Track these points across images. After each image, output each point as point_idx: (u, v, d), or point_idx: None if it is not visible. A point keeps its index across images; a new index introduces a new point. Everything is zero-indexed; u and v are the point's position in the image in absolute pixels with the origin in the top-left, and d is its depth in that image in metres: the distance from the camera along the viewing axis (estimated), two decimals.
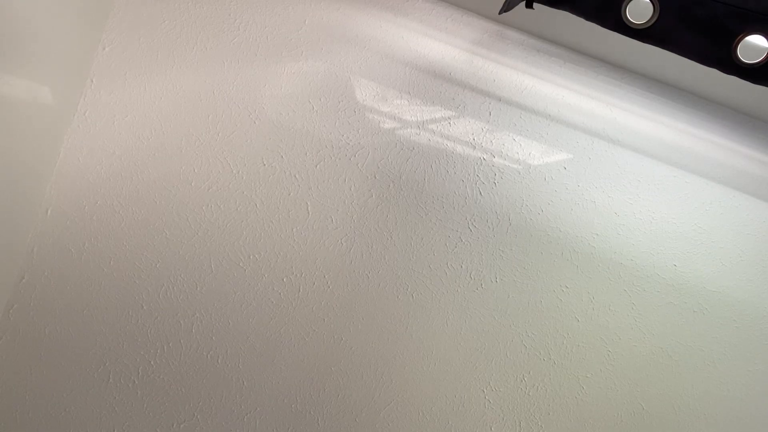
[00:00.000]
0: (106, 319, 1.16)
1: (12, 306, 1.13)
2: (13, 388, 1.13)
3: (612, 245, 1.31)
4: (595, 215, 1.31)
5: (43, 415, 1.14)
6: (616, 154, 1.33)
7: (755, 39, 0.86)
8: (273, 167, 1.22)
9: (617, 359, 1.30)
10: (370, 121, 1.26)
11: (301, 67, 1.24)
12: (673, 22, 0.87)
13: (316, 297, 1.22)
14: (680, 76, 1.31)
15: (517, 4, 0.98)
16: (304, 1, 1.26)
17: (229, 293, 1.20)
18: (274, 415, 1.20)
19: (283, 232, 1.22)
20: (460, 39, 1.30)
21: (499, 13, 1.04)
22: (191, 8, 1.22)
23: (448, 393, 1.25)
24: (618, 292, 1.31)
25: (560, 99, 1.32)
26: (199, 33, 1.22)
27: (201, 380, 1.18)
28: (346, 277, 1.23)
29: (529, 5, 0.96)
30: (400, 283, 1.25)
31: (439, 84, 1.29)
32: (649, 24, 0.88)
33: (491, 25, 1.31)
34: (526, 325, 1.28)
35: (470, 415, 1.26)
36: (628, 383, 1.31)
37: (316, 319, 1.22)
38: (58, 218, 1.15)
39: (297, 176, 1.23)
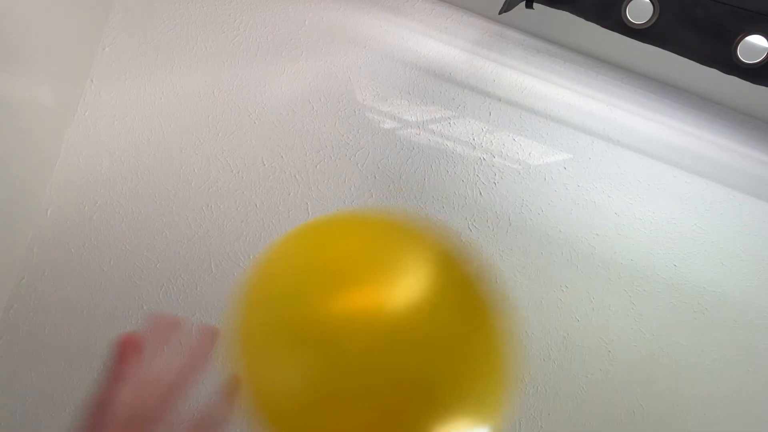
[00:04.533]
0: (106, 319, 1.16)
1: (12, 306, 1.13)
2: (13, 388, 1.13)
3: (612, 245, 1.31)
4: (595, 215, 1.31)
5: (43, 415, 1.14)
6: (616, 154, 1.33)
7: (755, 39, 0.86)
8: (273, 167, 1.22)
9: (617, 359, 1.30)
10: (370, 121, 1.26)
11: (301, 67, 1.24)
12: (673, 22, 0.87)
13: None
14: (680, 76, 1.31)
15: (517, 4, 0.98)
16: (304, 1, 1.26)
17: (229, 293, 1.19)
18: None
19: (283, 232, 1.22)
20: (460, 39, 1.30)
21: (499, 13, 1.04)
22: (191, 8, 1.22)
23: None
24: (618, 292, 1.31)
25: (560, 99, 1.32)
26: (199, 33, 1.22)
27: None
28: None
29: (529, 5, 0.96)
30: None
31: (439, 84, 1.29)
32: (649, 24, 0.88)
33: (491, 25, 1.31)
34: (526, 325, 1.28)
35: None
36: (628, 383, 1.31)
37: None
38: (58, 218, 1.15)
39: (297, 176, 1.23)
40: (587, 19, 0.93)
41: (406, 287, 0.35)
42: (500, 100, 1.30)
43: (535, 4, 0.95)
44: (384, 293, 0.35)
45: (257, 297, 0.39)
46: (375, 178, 1.25)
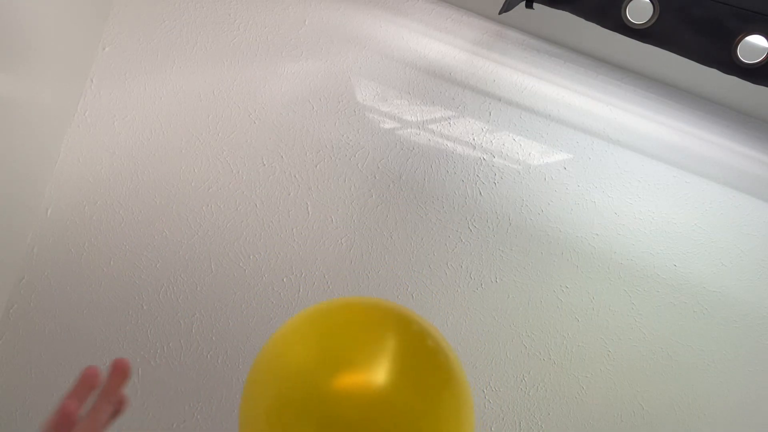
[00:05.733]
0: (106, 319, 1.16)
1: (12, 306, 1.13)
2: (13, 388, 1.13)
3: (612, 245, 1.31)
4: (595, 215, 1.31)
5: (43, 415, 1.13)
6: (616, 154, 1.33)
7: (755, 39, 0.86)
8: (273, 167, 1.22)
9: (617, 359, 1.30)
10: (370, 121, 1.26)
11: (301, 67, 1.24)
12: (673, 22, 0.87)
13: (316, 297, 1.22)
14: (680, 76, 1.31)
15: (517, 4, 0.98)
16: (304, 1, 1.26)
17: (229, 293, 1.20)
18: None
19: (283, 232, 1.22)
20: (460, 39, 1.30)
21: (499, 13, 1.04)
22: (191, 8, 1.22)
23: None
24: (618, 292, 1.31)
25: (560, 99, 1.32)
26: (199, 33, 1.22)
27: (201, 380, 1.18)
28: (346, 277, 1.23)
29: (529, 5, 0.96)
30: (400, 283, 1.25)
31: (439, 84, 1.29)
32: (649, 24, 0.88)
33: (491, 25, 1.31)
34: (526, 325, 1.28)
35: None
36: (628, 383, 1.31)
37: None
38: (58, 218, 1.15)
39: (297, 176, 1.23)
40: (587, 19, 0.93)
41: (385, 367, 0.45)
42: (500, 100, 1.30)
43: (535, 4, 0.95)
44: (369, 372, 0.45)
45: (268, 374, 0.50)
46: (375, 178, 1.25)
